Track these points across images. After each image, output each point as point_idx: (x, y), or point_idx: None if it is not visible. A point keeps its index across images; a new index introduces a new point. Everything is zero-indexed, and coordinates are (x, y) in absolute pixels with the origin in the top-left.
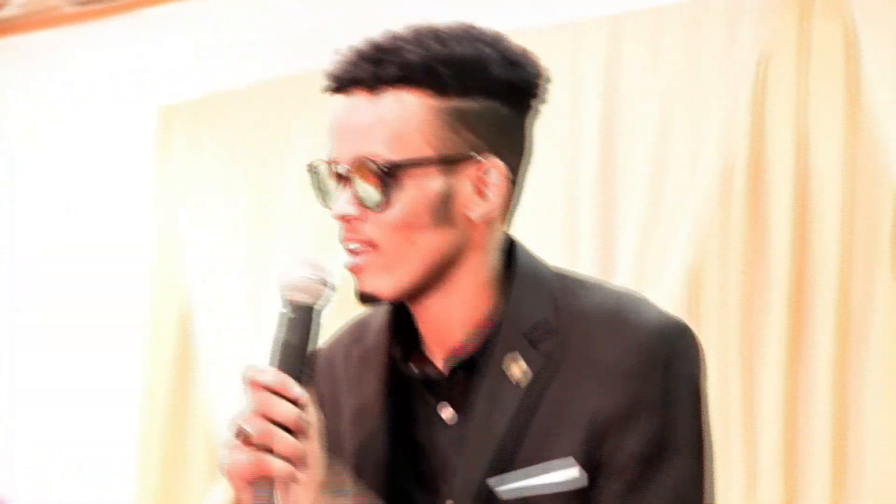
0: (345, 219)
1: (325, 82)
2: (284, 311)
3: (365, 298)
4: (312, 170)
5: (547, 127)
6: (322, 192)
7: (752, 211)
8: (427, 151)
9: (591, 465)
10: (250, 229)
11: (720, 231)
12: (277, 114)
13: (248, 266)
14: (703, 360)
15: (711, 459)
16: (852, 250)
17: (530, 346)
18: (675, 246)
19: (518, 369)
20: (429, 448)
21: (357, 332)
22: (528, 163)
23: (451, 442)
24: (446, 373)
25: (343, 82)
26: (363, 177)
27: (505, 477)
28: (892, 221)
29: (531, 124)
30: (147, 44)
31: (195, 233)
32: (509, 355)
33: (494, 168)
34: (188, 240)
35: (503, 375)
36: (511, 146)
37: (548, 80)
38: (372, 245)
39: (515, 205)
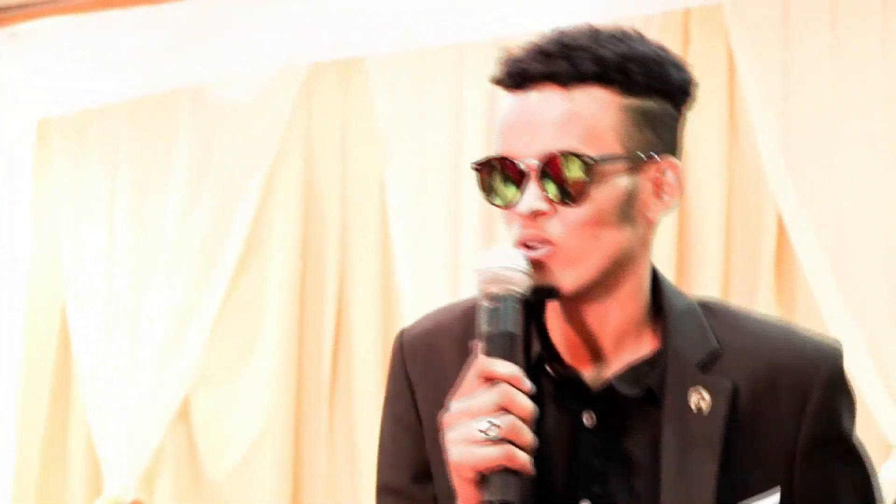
0: (534, 215)
1: (504, 76)
2: (489, 303)
3: (542, 292)
4: (483, 166)
5: (430, 146)
6: (492, 190)
7: None
8: (619, 149)
9: (789, 492)
10: (129, 241)
11: None
12: (157, 128)
13: (128, 277)
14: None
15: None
16: (732, 274)
17: (706, 376)
18: None
19: (701, 401)
20: (562, 450)
21: (467, 322)
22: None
23: (591, 447)
24: (597, 385)
25: (534, 77)
26: (558, 172)
27: None
28: (773, 241)
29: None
30: (26, 58)
31: (74, 244)
32: (691, 389)
33: (671, 168)
34: (67, 251)
35: (686, 408)
36: (679, 147)
37: (698, 86)
38: (551, 243)
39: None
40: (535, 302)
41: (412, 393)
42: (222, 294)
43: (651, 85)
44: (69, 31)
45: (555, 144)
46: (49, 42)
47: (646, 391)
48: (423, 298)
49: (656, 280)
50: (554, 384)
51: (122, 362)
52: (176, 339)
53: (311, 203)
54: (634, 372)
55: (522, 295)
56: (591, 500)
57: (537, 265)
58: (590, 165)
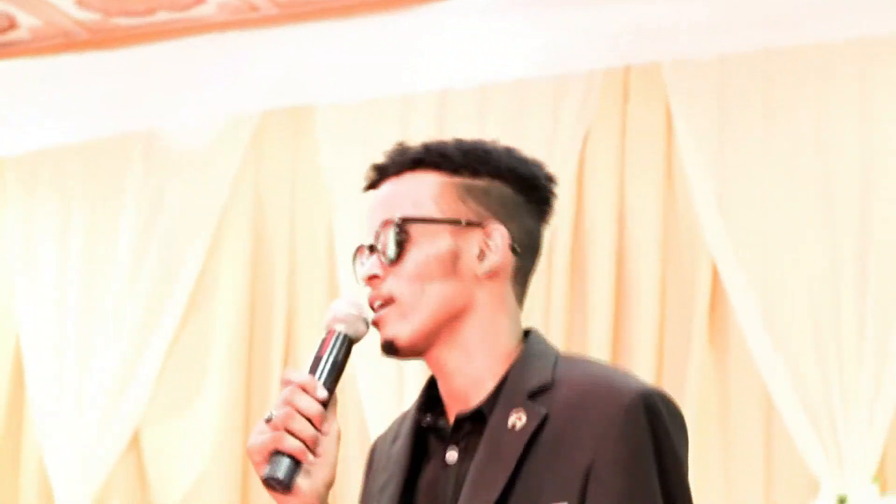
0: (370, 278)
1: (366, 185)
2: (324, 334)
3: (385, 347)
4: (353, 257)
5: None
6: (357, 273)
7: (572, 287)
8: (437, 215)
9: None
10: (82, 279)
11: (544, 303)
12: (109, 171)
13: (81, 314)
14: (683, 427)
15: None
16: (668, 323)
17: (530, 401)
18: None
19: (517, 420)
20: (431, 486)
21: (400, 419)
22: (538, 252)
23: (448, 481)
24: (451, 422)
25: (375, 180)
26: (384, 236)
27: None
28: (707, 290)
29: (543, 225)
30: None
31: (28, 281)
32: (513, 410)
33: (496, 231)
34: (20, 287)
35: (504, 426)
36: (517, 224)
37: (554, 183)
38: (391, 300)
39: (525, 287)
40: (388, 356)
41: (366, 479)
42: (171, 333)
43: (475, 167)
44: (24, 72)
45: (383, 216)
46: (3, 83)
47: (478, 413)
48: (370, 345)
49: (527, 339)
50: (432, 432)
51: (75, 396)
52: (126, 376)
53: (259, 246)
54: (480, 408)
55: (354, 339)
56: None
57: (378, 323)
58: (403, 227)
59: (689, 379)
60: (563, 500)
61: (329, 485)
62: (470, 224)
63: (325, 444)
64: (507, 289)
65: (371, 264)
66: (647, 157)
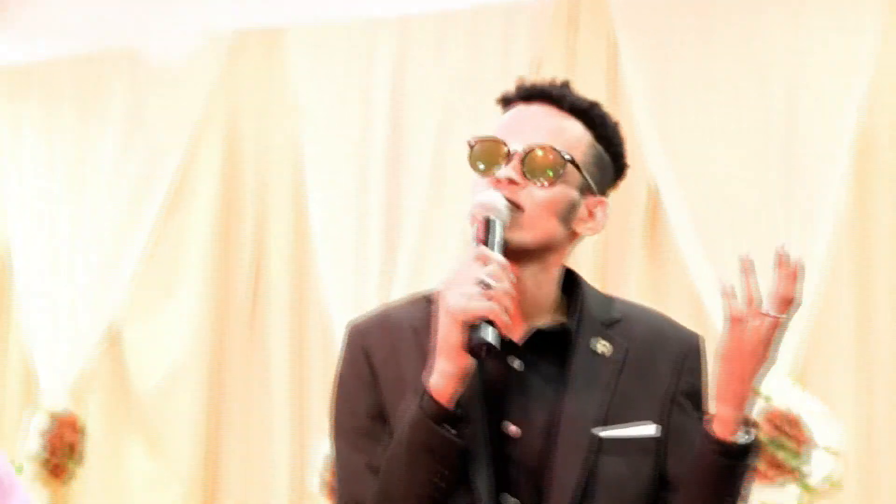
0: (509, 181)
1: (517, 92)
2: (485, 220)
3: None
4: (480, 141)
5: (344, 119)
6: (479, 159)
7: None
8: (584, 169)
9: (665, 432)
10: (67, 184)
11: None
12: (94, 85)
13: (67, 214)
14: None
15: None
16: (609, 238)
17: (609, 331)
18: (456, 231)
19: (604, 347)
20: (494, 385)
21: (416, 310)
22: None
23: (512, 383)
24: (521, 339)
25: (542, 94)
26: (537, 158)
27: (606, 428)
28: (647, 208)
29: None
30: None
31: (16, 185)
32: (595, 338)
33: (602, 207)
34: (9, 190)
35: (589, 350)
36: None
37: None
38: (519, 207)
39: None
40: None
41: (367, 357)
42: (150, 235)
43: (609, 144)
44: None
45: (542, 139)
46: None
47: (562, 333)
48: (333, 243)
49: (573, 276)
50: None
51: (59, 292)
52: (108, 274)
53: (232, 156)
54: (556, 326)
55: (504, 223)
56: (512, 422)
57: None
58: (563, 161)
59: (629, 288)
60: (651, 421)
61: None
62: (591, 191)
63: None
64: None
65: (513, 169)
66: (594, 84)
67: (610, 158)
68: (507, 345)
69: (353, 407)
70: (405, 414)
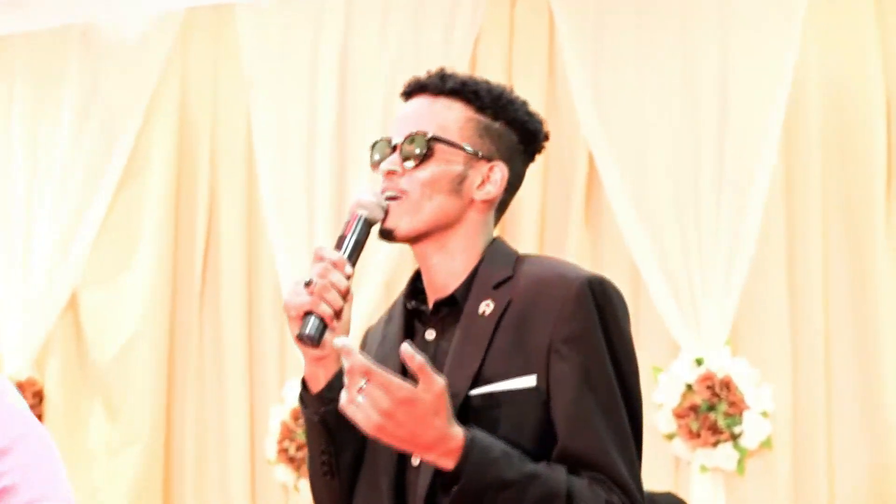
0: (389, 173)
1: (404, 91)
2: (349, 217)
3: (384, 232)
4: (373, 145)
5: (292, 93)
6: (375, 159)
7: None
8: (459, 142)
9: (546, 382)
10: (25, 156)
11: None
12: (50, 60)
13: (24, 189)
14: (624, 305)
15: (636, 384)
16: (549, 206)
17: (495, 291)
18: None
19: (486, 307)
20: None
21: (391, 307)
22: (517, 190)
23: (427, 355)
24: (431, 308)
25: (415, 88)
26: (410, 143)
27: (481, 387)
28: (584, 176)
29: (527, 168)
30: None
31: None
32: (482, 299)
33: (499, 169)
34: None
35: (475, 312)
36: (512, 166)
37: (548, 139)
38: (402, 194)
39: (502, 213)
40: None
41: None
42: (106, 205)
43: (497, 111)
44: None
45: (414, 128)
46: None
47: (452, 299)
48: (283, 213)
49: (494, 241)
50: (412, 315)
51: (18, 261)
52: (66, 241)
53: (185, 129)
54: (454, 294)
55: (370, 221)
56: None
57: (387, 211)
58: (428, 141)
59: (568, 255)
60: (531, 373)
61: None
62: (481, 157)
63: (345, 310)
64: (490, 214)
65: (392, 161)
66: (532, 58)
67: (505, 124)
68: (421, 316)
69: None
70: None
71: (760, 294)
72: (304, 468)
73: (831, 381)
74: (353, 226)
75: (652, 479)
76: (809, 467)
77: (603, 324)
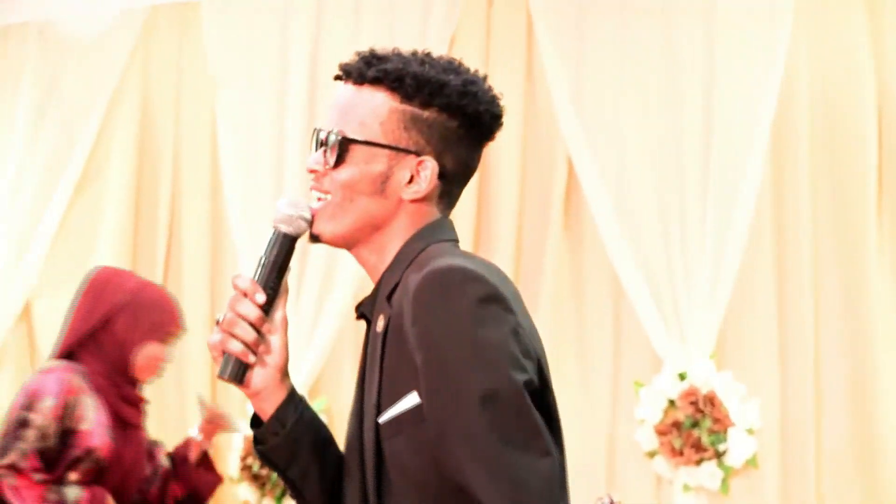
0: (310, 170)
1: (334, 78)
2: (272, 237)
3: (312, 237)
4: (312, 134)
5: (259, 92)
6: (310, 152)
7: None
8: (380, 139)
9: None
10: None
11: None
12: (7, 57)
13: None
14: (464, 293)
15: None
16: (526, 212)
17: (386, 304)
18: None
19: (380, 324)
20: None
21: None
22: (470, 175)
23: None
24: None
25: (342, 73)
26: (326, 143)
27: (382, 413)
28: (563, 181)
29: (480, 151)
30: None
31: None
32: (379, 314)
33: (428, 163)
34: None
35: (376, 331)
36: (453, 154)
37: (498, 121)
38: (326, 193)
39: (451, 204)
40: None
41: None
42: (63, 209)
43: (426, 99)
44: None
45: (335, 123)
46: None
47: (362, 316)
48: (249, 220)
49: (408, 244)
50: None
51: None
52: (19, 251)
53: (146, 129)
54: (362, 311)
55: (294, 235)
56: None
57: (314, 215)
58: (341, 142)
59: (546, 263)
60: (413, 390)
61: (283, 366)
62: (406, 152)
63: (272, 337)
64: (429, 209)
65: (314, 159)
66: (510, 58)
67: (437, 111)
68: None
69: None
70: None
71: (747, 304)
72: (269, 487)
73: (821, 396)
74: (269, 244)
75: (633, 498)
76: (797, 487)
77: (440, 319)
